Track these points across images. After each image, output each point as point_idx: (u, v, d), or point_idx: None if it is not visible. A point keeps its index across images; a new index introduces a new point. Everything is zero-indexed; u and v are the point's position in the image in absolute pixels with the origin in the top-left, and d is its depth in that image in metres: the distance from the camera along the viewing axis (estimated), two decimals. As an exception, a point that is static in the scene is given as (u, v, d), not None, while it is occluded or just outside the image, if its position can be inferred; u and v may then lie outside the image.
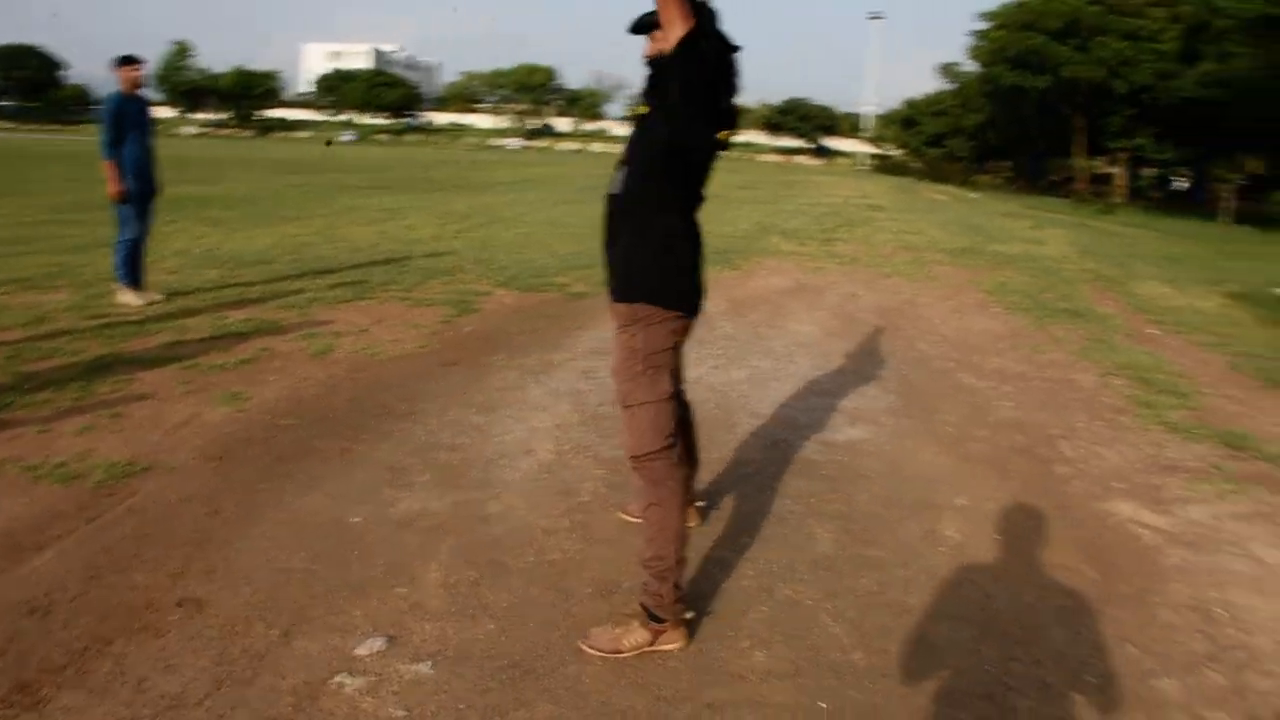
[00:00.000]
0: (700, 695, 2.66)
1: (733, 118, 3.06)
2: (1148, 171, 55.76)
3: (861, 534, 3.84)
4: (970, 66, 58.52)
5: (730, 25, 2.96)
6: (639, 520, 3.71)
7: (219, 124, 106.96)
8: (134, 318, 7.14)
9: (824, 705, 2.63)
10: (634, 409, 2.91)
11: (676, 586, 2.88)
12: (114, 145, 7.51)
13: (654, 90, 2.98)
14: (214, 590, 3.11)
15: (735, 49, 2.94)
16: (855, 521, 3.97)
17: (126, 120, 7.58)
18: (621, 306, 2.95)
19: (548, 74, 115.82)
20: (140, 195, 7.73)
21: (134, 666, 2.67)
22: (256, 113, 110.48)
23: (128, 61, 7.64)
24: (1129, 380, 6.62)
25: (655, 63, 2.98)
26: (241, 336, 6.66)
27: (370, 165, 39.25)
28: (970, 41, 51.52)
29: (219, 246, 11.39)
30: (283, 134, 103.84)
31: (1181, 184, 55.96)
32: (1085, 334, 8.33)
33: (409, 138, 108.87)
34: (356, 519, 3.72)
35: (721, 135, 3.00)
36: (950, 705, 2.66)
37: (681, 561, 2.90)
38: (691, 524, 3.57)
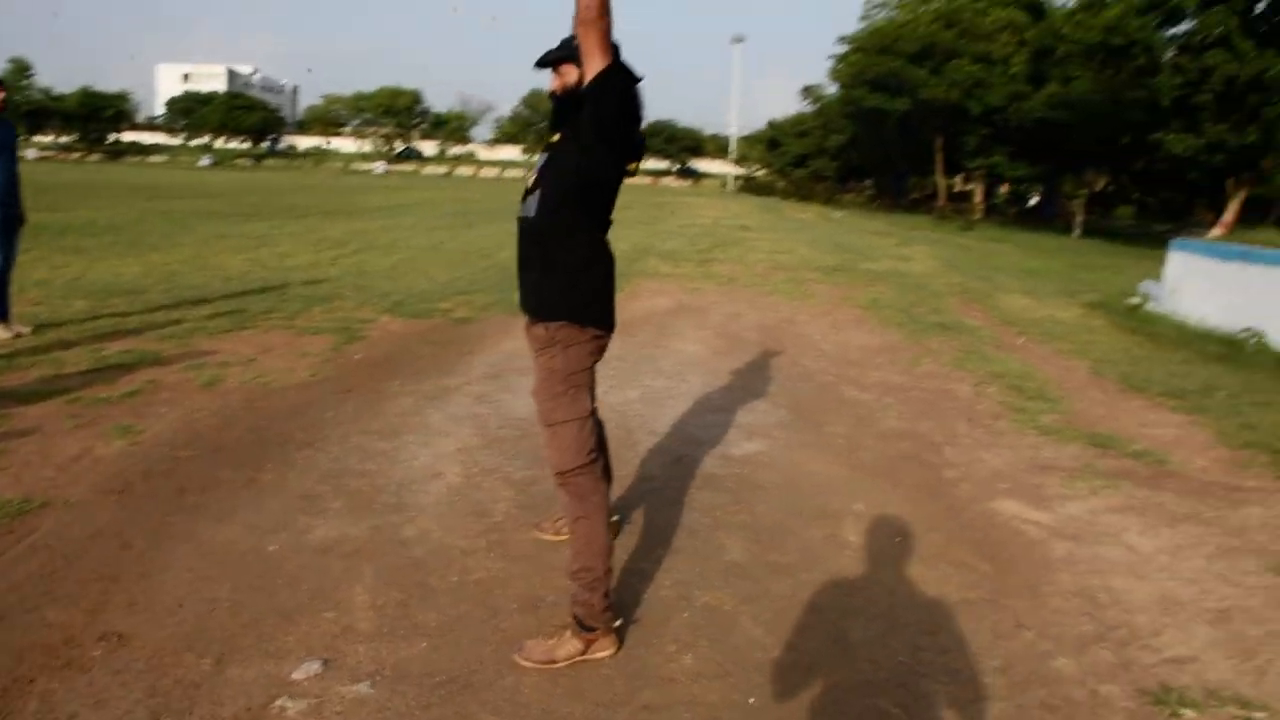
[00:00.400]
0: (635, 699, 2.78)
1: (640, 148, 3.23)
2: (1003, 189, 58.54)
3: (768, 542, 4.03)
4: (832, 89, 60.55)
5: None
6: (553, 538, 3.85)
7: (64, 147, 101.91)
8: (2, 351, 6.85)
9: (753, 701, 2.79)
10: (557, 427, 3.03)
11: (605, 595, 3.00)
12: (-24, 171, 7.22)
13: (564, 121, 3.13)
14: (137, 624, 3.07)
15: (639, 80, 3.10)
16: (761, 530, 4.16)
17: (-10, 145, 7.29)
18: (539, 328, 3.07)
19: (412, 97, 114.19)
20: (5, 222, 7.44)
21: (62, 704, 2.63)
22: (109, 136, 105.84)
23: (-11, 84, 7.35)
24: (1002, 388, 7.06)
25: (562, 96, 3.13)
26: (124, 368, 6.47)
27: (233, 191, 38.12)
28: (831, 65, 53.38)
29: (83, 276, 10.96)
30: (137, 158, 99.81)
31: (1033, 200, 58.90)
32: (957, 345, 8.81)
33: (270, 162, 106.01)
34: (274, 547, 3.71)
35: (631, 166, 3.17)
36: (869, 694, 2.85)
37: (609, 571, 3.02)
38: (606, 538, 3.69)
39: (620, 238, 19.66)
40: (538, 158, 3.24)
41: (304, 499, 4.25)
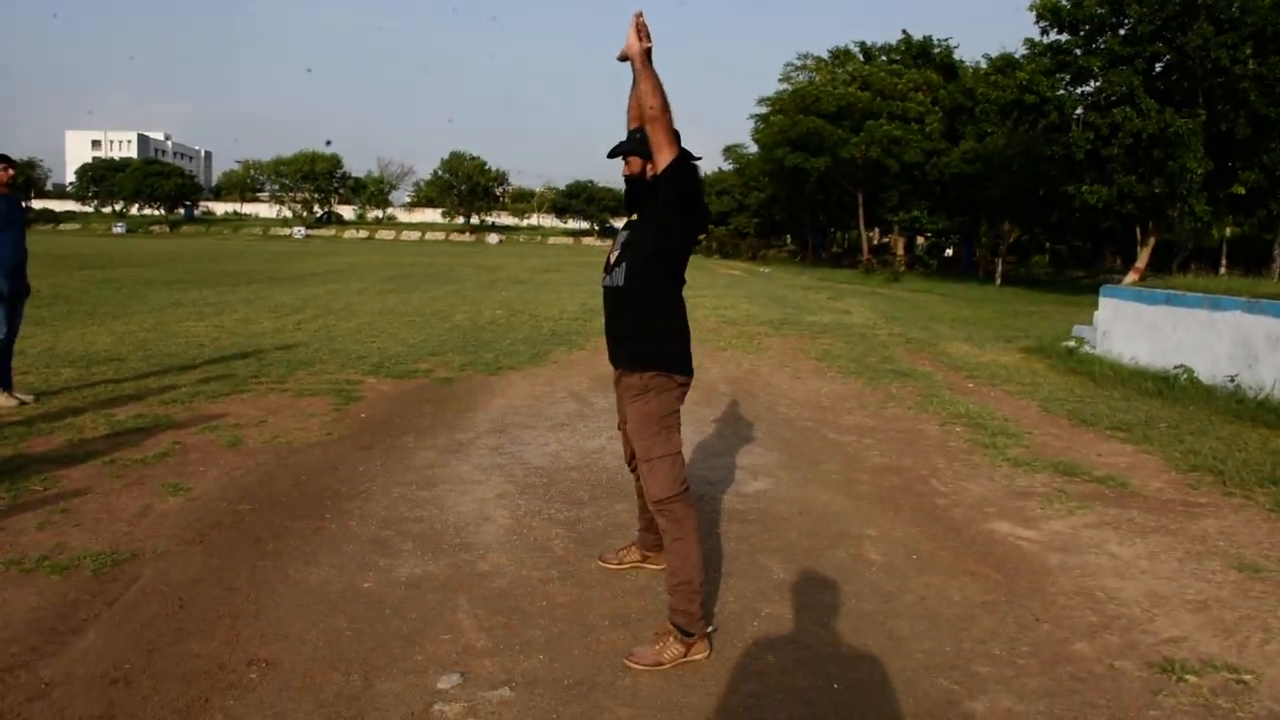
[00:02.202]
0: (740, 689, 3.23)
1: (706, 220, 3.79)
2: (920, 241, 60.66)
3: (804, 562, 4.52)
4: (753, 148, 62.21)
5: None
6: (617, 566, 4.29)
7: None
8: (15, 419, 7.05)
9: (837, 686, 3.26)
10: (654, 462, 3.51)
11: (700, 605, 3.46)
12: (-15, 246, 7.44)
13: (638, 202, 3.68)
14: (276, 651, 3.42)
15: (698, 159, 3.65)
16: (794, 553, 4.65)
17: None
18: (634, 377, 3.57)
19: (332, 161, 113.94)
20: (13, 295, 7.67)
21: (245, 717, 2.98)
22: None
23: (-3, 160, 7.60)
24: (966, 427, 7.68)
25: (634, 181, 3.69)
26: (143, 432, 6.73)
27: (161, 259, 37.84)
28: (752, 125, 55.00)
29: (55, 346, 11.07)
30: (47, 226, 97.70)
31: (948, 251, 61.05)
32: (916, 390, 9.45)
33: (187, 229, 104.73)
34: (368, 584, 4.08)
35: (700, 237, 3.72)
36: (930, 675, 3.35)
37: (703, 584, 3.48)
38: (658, 566, 4.15)
39: (563, 299, 20.12)
40: (619, 234, 3.76)
41: (375, 543, 4.61)
